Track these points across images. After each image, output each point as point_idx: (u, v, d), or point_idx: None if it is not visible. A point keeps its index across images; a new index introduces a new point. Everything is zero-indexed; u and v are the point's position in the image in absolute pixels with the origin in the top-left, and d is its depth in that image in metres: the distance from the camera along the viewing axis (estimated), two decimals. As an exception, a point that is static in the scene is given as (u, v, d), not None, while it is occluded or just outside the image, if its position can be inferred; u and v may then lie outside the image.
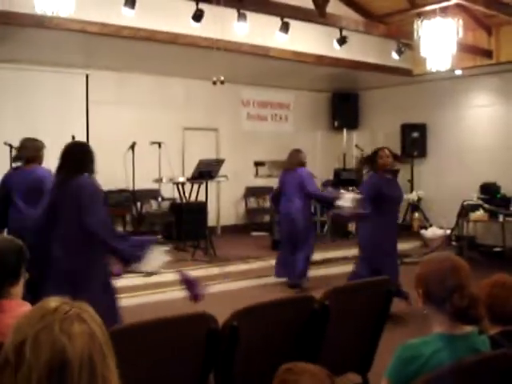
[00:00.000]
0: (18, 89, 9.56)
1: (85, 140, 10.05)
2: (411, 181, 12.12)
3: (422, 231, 10.88)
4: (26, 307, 2.26)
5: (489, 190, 9.97)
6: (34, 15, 6.33)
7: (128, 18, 7.20)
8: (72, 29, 7.29)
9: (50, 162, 9.42)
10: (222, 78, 7.55)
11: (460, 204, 9.61)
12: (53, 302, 1.31)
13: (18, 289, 2.34)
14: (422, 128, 12.14)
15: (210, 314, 2.81)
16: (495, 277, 2.69)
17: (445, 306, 2.19)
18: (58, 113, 9.93)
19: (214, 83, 7.57)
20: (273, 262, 8.86)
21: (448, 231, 10.18)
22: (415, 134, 12.10)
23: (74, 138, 8.46)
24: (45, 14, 5.61)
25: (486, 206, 9.44)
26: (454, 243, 10.01)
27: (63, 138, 9.05)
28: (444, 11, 7.52)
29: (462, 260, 2.35)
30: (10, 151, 8.13)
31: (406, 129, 12.15)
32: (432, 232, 10.67)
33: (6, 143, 8.18)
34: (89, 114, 10.36)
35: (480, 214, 9.46)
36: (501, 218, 9.37)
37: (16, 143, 8.23)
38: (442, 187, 11.47)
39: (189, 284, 4.26)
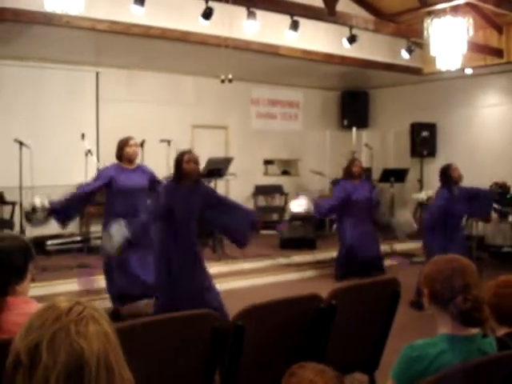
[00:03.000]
0: (28, 86, 9.59)
1: (95, 137, 10.11)
2: (421, 180, 12.07)
3: (431, 231, 10.83)
4: (32, 304, 2.26)
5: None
6: (43, 13, 6.35)
7: (138, 15, 7.21)
8: (82, 26, 7.31)
9: (62, 158, 9.51)
10: (230, 76, 7.55)
11: (469, 204, 9.56)
12: (64, 302, 1.31)
13: (24, 286, 2.34)
14: (431, 127, 12.08)
15: (215, 313, 2.82)
16: (502, 277, 2.68)
17: (449, 307, 2.18)
18: (68, 110, 9.96)
19: (223, 81, 7.56)
20: (282, 260, 8.89)
21: (457, 231, 10.12)
22: (425, 133, 12.05)
23: (83, 135, 8.49)
24: (54, 12, 5.62)
25: (496, 206, 9.38)
26: (463, 243, 9.96)
27: (73, 135, 9.14)
28: (454, 10, 7.48)
29: (469, 261, 2.33)
30: (20, 148, 8.18)
31: (416, 128, 12.10)
32: (441, 232, 10.61)
33: (16, 140, 8.22)
34: (99, 111, 10.39)
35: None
36: (510, 218, 9.34)
37: (26, 141, 8.30)
38: (451, 187, 11.42)
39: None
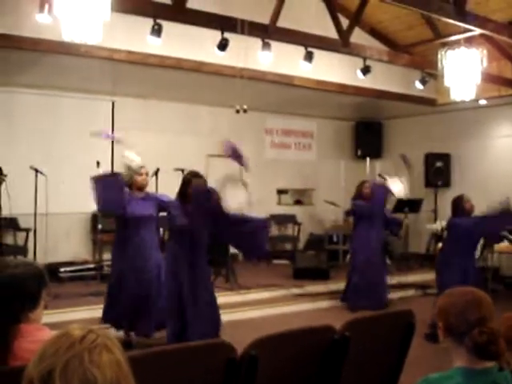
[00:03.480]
0: (44, 114, 9.71)
1: (110, 165, 10.17)
2: (435, 210, 12.02)
3: (446, 262, 10.74)
4: (45, 331, 2.26)
5: (514, 221, 9.84)
6: (61, 42, 6.43)
7: (154, 46, 7.30)
8: (99, 56, 7.41)
9: (77, 186, 9.57)
10: (245, 107, 7.60)
11: (484, 235, 9.49)
12: (78, 329, 1.31)
13: (38, 313, 2.34)
14: (446, 158, 12.08)
15: (229, 343, 2.79)
16: (518, 310, 2.64)
17: (465, 340, 2.15)
18: (83, 138, 10.03)
19: (238, 112, 7.61)
20: (295, 290, 8.84)
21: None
22: (439, 164, 12.04)
23: (98, 163, 8.55)
24: (72, 42, 5.69)
25: (511, 237, 9.31)
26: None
27: (88, 163, 9.18)
28: (469, 41, 7.52)
29: (485, 293, 2.30)
30: (36, 176, 8.25)
31: (430, 158, 12.10)
32: (456, 263, 10.53)
33: (32, 168, 8.29)
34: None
35: (504, 245, 9.34)
36: (526, 250, 9.25)
37: (42, 168, 8.38)
38: (466, 217, 11.34)
39: (235, 154, 5.85)
